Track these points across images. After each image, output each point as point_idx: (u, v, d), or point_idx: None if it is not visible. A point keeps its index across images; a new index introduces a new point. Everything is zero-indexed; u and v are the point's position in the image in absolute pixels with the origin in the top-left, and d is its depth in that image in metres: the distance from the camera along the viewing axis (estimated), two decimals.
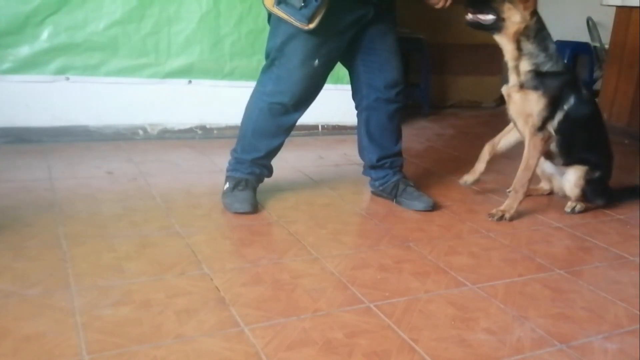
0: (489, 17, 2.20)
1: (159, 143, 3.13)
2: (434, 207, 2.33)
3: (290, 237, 1.99)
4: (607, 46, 4.56)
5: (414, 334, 1.44)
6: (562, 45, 5.37)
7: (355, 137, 2.48)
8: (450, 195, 2.54)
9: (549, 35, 2.25)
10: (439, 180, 2.76)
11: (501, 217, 2.28)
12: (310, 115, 3.45)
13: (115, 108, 3.10)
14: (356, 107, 2.39)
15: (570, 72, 2.44)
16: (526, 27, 2.18)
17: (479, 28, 2.25)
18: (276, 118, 2.20)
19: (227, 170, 2.29)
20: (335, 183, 2.61)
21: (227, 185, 2.25)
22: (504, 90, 2.32)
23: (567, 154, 2.37)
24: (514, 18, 2.17)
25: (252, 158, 2.24)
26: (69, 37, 2.90)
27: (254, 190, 2.26)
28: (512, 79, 2.26)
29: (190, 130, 3.28)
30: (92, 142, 3.01)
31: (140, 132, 3.18)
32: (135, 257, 1.75)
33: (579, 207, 2.44)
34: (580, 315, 1.60)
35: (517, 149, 2.44)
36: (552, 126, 2.26)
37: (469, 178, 2.53)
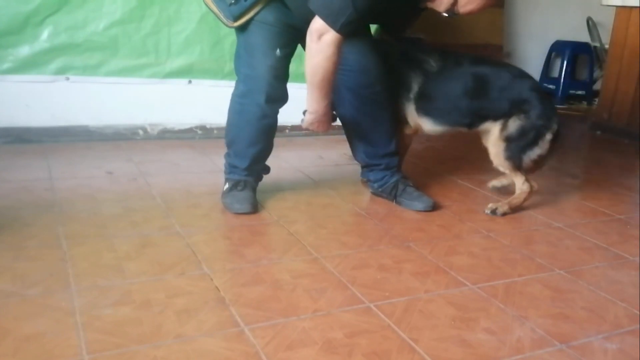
0: None
1: (159, 143, 3.13)
2: (434, 207, 2.33)
3: (290, 237, 1.99)
4: (607, 46, 4.56)
5: (414, 334, 1.44)
6: (562, 45, 5.37)
7: None
8: (450, 195, 2.54)
9: None
10: (439, 180, 2.76)
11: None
12: None
13: (115, 108, 3.10)
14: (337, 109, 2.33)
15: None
16: None
17: None
18: (253, 122, 2.17)
19: (225, 173, 2.29)
20: (335, 183, 2.61)
21: (226, 185, 2.25)
22: None
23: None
24: None
25: (245, 164, 2.23)
26: (69, 37, 2.90)
27: (254, 190, 2.26)
28: None
29: (190, 130, 3.28)
30: (92, 142, 3.01)
31: (140, 132, 3.18)
32: (135, 257, 1.75)
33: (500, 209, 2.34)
34: (580, 315, 1.60)
35: None
36: None
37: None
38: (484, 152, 2.41)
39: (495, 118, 2.31)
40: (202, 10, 3.11)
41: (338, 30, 1.88)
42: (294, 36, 2.12)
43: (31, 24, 2.82)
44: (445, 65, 2.32)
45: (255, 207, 2.19)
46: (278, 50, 2.08)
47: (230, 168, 2.27)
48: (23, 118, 2.92)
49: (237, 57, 2.20)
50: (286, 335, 1.40)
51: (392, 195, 2.38)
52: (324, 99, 2.07)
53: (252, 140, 2.21)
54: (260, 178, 2.32)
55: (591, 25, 5.21)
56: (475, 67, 2.34)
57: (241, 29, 2.10)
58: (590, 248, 2.07)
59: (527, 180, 2.35)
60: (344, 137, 2.51)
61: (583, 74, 5.47)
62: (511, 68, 2.43)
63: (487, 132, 2.37)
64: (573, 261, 1.96)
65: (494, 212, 2.33)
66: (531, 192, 2.37)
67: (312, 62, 1.95)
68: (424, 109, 2.36)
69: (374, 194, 2.47)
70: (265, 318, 1.47)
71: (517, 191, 2.38)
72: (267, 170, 2.35)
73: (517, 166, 2.32)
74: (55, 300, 1.48)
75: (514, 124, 2.28)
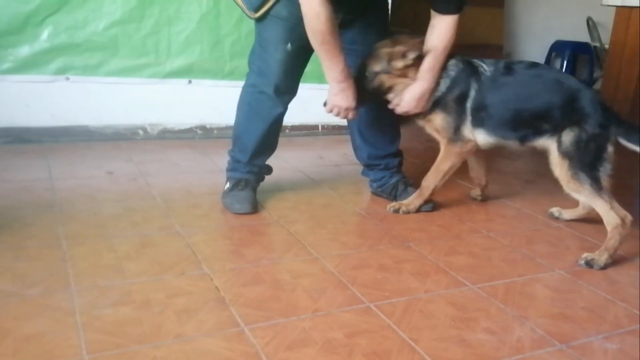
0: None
1: (159, 143, 3.13)
2: (434, 207, 2.33)
3: (290, 237, 1.99)
4: (607, 46, 4.56)
5: (414, 334, 1.44)
6: (562, 45, 5.38)
7: None
8: (450, 195, 2.54)
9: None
10: None
11: (397, 210, 2.26)
12: (310, 115, 3.47)
13: (115, 108, 3.10)
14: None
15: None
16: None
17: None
18: (261, 111, 2.19)
19: (227, 171, 2.29)
20: (335, 183, 2.62)
21: (227, 185, 2.25)
22: None
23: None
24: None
25: (248, 158, 2.24)
26: (69, 37, 2.90)
27: (254, 190, 2.26)
28: None
29: (190, 130, 3.28)
30: (92, 142, 3.01)
31: (140, 132, 3.17)
32: (135, 257, 1.75)
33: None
34: (580, 315, 1.60)
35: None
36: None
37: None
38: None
39: (551, 131, 2.06)
40: (202, 10, 3.11)
41: None
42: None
43: (31, 24, 2.82)
44: (496, 71, 2.13)
45: (255, 207, 2.19)
46: (289, 45, 2.09)
47: (233, 164, 2.27)
48: (23, 118, 2.92)
49: (252, 51, 2.22)
50: (286, 335, 1.40)
51: (392, 195, 2.38)
52: (336, 64, 1.99)
53: (257, 132, 2.21)
54: (261, 178, 2.33)
55: (591, 25, 5.21)
56: (527, 71, 2.15)
57: (258, 22, 2.11)
58: (590, 248, 2.07)
59: (612, 208, 1.96)
60: (344, 137, 2.52)
61: (583, 74, 5.47)
62: (562, 75, 2.25)
63: (545, 150, 2.11)
64: (573, 261, 1.95)
65: (589, 264, 1.91)
66: (624, 223, 1.93)
67: (308, 28, 1.94)
68: (478, 120, 2.14)
69: (374, 193, 2.47)
70: (265, 318, 1.47)
71: (608, 227, 1.97)
72: (269, 170, 2.35)
73: (590, 186, 1.98)
74: (55, 300, 1.48)
75: (570, 136, 2.01)
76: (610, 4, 4.03)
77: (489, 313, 1.57)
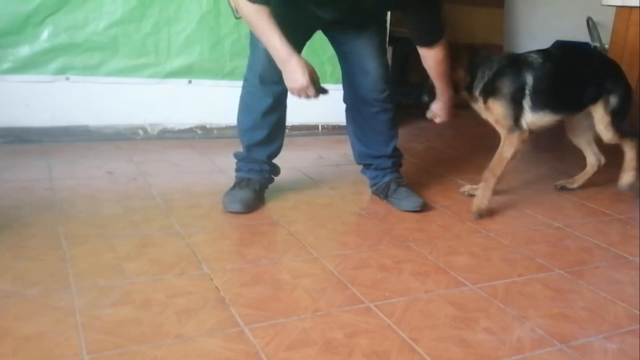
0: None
1: (159, 143, 3.13)
2: (423, 207, 2.30)
3: (290, 237, 1.99)
4: (607, 46, 4.56)
5: (414, 334, 1.44)
6: (562, 45, 5.38)
7: None
8: (450, 195, 2.54)
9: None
10: (439, 180, 2.76)
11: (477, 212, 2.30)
12: (310, 115, 3.47)
13: (115, 108, 3.10)
14: (344, 102, 2.40)
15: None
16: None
17: None
18: (251, 102, 2.21)
19: (235, 170, 2.32)
20: (335, 183, 2.61)
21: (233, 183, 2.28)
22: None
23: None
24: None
25: (244, 153, 2.27)
26: (69, 37, 2.90)
27: (255, 190, 2.24)
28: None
29: (190, 130, 3.28)
30: (92, 142, 3.01)
31: (140, 132, 3.18)
32: (135, 257, 1.75)
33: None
34: (580, 315, 1.60)
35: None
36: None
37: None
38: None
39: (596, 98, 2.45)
40: (202, 10, 3.11)
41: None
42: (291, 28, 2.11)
43: (31, 24, 2.82)
44: (545, 57, 2.37)
45: (247, 207, 2.17)
46: None
47: (236, 163, 2.31)
48: (23, 118, 2.92)
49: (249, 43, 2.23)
50: (286, 335, 1.40)
51: (384, 194, 2.38)
52: (272, 37, 1.90)
53: (248, 124, 2.23)
54: (267, 179, 2.32)
55: (591, 25, 5.20)
56: (567, 53, 2.59)
57: None
58: (590, 248, 2.07)
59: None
60: (344, 137, 2.52)
61: None
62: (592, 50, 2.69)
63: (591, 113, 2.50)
64: (573, 261, 1.96)
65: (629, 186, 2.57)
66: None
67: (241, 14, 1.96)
68: (541, 102, 2.33)
69: (374, 193, 2.47)
70: (265, 318, 1.47)
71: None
72: (275, 170, 2.35)
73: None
74: (55, 300, 1.48)
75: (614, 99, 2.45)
76: (610, 4, 4.02)
77: (489, 313, 1.57)
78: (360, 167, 2.51)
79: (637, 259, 2.00)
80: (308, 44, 2.23)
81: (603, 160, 2.70)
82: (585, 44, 5.32)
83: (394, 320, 1.49)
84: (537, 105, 2.31)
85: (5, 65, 2.83)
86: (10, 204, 2.11)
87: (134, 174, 2.56)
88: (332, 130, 3.55)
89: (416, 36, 2.09)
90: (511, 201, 2.53)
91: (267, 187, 2.33)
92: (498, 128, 2.36)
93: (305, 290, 1.62)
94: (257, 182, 2.27)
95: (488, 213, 2.32)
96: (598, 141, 2.65)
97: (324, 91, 2.00)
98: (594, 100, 2.45)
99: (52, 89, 2.94)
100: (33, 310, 1.43)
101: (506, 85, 2.29)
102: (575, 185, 2.73)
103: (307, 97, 1.99)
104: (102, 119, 3.08)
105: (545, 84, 2.32)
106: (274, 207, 2.27)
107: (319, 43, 2.43)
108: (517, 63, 2.33)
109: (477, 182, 2.57)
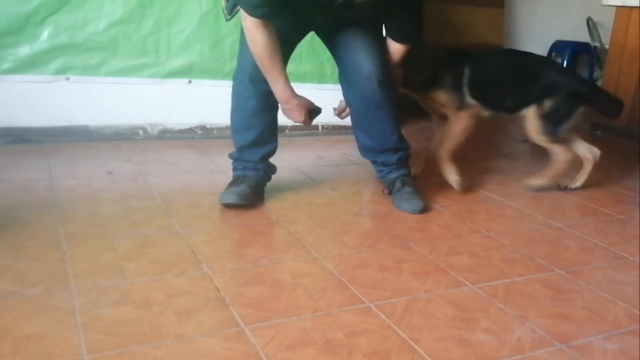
0: None
1: (159, 143, 3.13)
2: (423, 210, 2.29)
3: (290, 237, 1.99)
4: (607, 46, 4.56)
5: (414, 334, 1.44)
6: (562, 45, 5.37)
7: None
8: (450, 195, 2.54)
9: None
10: (439, 180, 2.75)
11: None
12: None
13: (115, 108, 3.10)
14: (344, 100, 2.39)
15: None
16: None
17: None
18: (239, 101, 2.22)
19: (232, 170, 2.33)
20: (335, 183, 2.61)
21: None
22: None
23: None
24: None
25: (237, 152, 2.28)
26: (69, 37, 2.90)
27: (251, 186, 2.24)
28: None
29: (190, 130, 3.28)
30: (92, 142, 3.01)
31: (140, 132, 3.18)
32: (135, 257, 1.76)
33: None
34: (580, 315, 1.60)
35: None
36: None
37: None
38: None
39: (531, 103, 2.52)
40: (202, 10, 3.10)
41: (251, 14, 1.91)
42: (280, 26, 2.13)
43: (31, 24, 2.82)
44: (488, 55, 2.56)
45: (242, 199, 2.17)
46: None
47: (233, 162, 2.32)
48: (23, 118, 2.92)
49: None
50: (286, 335, 1.40)
51: (389, 191, 2.37)
52: (275, 86, 2.06)
53: (240, 125, 2.25)
54: (263, 177, 2.32)
55: (591, 25, 5.21)
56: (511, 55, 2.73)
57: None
58: (590, 248, 2.07)
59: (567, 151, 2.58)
60: (344, 137, 2.52)
61: (583, 74, 5.47)
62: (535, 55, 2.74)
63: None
64: (573, 261, 1.96)
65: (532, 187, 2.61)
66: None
67: (251, 49, 2.01)
68: (474, 94, 2.48)
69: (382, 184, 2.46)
70: (265, 318, 1.47)
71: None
72: (270, 168, 2.35)
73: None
74: (55, 300, 1.48)
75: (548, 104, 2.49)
76: (610, 4, 4.02)
77: (489, 313, 1.57)
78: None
79: (637, 259, 2.00)
80: (308, 44, 2.24)
81: (597, 151, 2.68)
82: (586, 44, 5.32)
83: (394, 320, 1.49)
84: (474, 97, 2.48)
85: (5, 65, 2.83)
86: (10, 204, 2.11)
87: (134, 174, 2.56)
88: (332, 130, 3.55)
89: (390, 32, 2.22)
90: (511, 201, 2.53)
91: (264, 185, 2.33)
92: (445, 111, 2.53)
93: (305, 290, 1.62)
94: (253, 179, 2.27)
95: (469, 181, 2.51)
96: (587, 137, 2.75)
97: (317, 114, 2.22)
98: (527, 104, 2.52)
99: (52, 89, 2.94)
100: (33, 310, 1.43)
101: (447, 76, 2.47)
102: (578, 184, 2.72)
103: (296, 121, 2.18)
104: (102, 119, 3.08)
105: (481, 80, 2.48)
106: (273, 207, 2.27)
107: (319, 43, 2.43)
108: (454, 57, 2.51)
109: (477, 181, 2.58)
